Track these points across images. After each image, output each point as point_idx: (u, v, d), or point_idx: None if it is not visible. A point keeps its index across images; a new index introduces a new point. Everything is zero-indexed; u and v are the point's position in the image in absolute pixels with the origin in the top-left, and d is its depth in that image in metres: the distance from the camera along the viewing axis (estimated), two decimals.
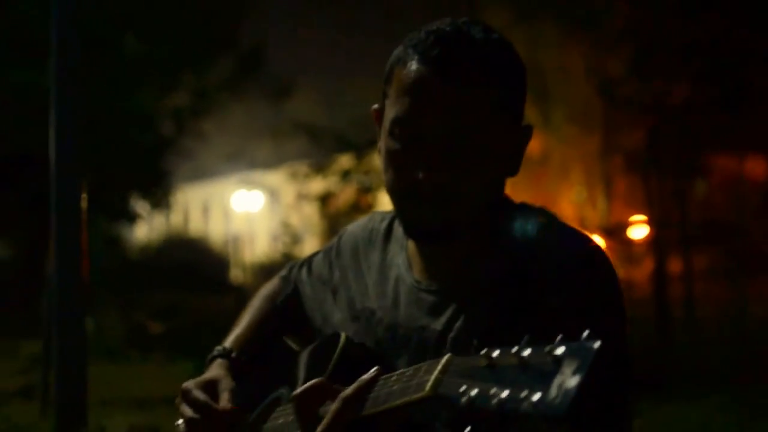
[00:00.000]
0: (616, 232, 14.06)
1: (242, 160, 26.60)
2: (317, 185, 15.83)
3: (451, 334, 1.50)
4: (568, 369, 1.05)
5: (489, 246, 1.53)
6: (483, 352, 1.15)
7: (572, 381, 1.04)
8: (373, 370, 1.37)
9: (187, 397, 1.62)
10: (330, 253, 1.79)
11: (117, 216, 18.76)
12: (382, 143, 1.55)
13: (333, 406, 1.36)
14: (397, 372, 1.34)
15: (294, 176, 16.36)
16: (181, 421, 1.63)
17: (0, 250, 20.07)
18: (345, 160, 15.35)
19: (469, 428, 1.12)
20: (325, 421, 1.36)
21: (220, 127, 21.11)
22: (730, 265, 13.82)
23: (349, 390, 1.36)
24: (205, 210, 35.65)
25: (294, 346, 1.78)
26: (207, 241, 28.31)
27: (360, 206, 14.77)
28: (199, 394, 1.61)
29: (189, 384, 1.64)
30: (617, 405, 1.42)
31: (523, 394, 1.06)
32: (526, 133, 1.56)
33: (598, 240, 1.51)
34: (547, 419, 1.03)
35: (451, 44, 1.48)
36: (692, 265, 12.68)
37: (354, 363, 1.48)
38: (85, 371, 5.78)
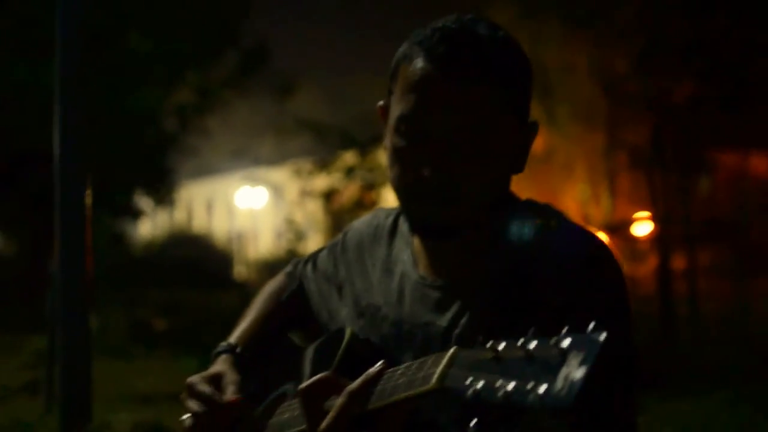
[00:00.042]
0: (620, 229, 14.04)
1: (246, 157, 26.59)
2: (321, 182, 15.83)
3: (457, 331, 1.50)
4: (574, 361, 1.05)
5: (494, 242, 1.53)
6: (489, 344, 1.16)
7: (578, 373, 1.04)
8: (379, 363, 1.37)
9: (192, 390, 1.62)
10: (335, 250, 1.79)
11: (121, 213, 18.78)
12: (388, 140, 1.55)
13: (339, 400, 1.36)
14: (403, 365, 1.34)
15: (298, 173, 16.36)
16: (186, 415, 1.63)
17: (4, 247, 20.11)
18: (349, 157, 15.35)
19: (475, 421, 1.12)
20: (330, 415, 1.36)
21: (224, 124, 21.12)
22: (734, 262, 13.81)
23: (354, 384, 1.36)
24: (209, 207, 35.65)
25: (299, 342, 1.79)
26: (211, 237, 28.31)
27: (364, 203, 14.76)
28: (205, 388, 1.62)
29: (194, 378, 1.64)
30: (624, 399, 1.42)
31: (529, 386, 1.07)
32: (532, 130, 1.57)
33: (602, 237, 1.50)
34: (553, 411, 1.04)
35: (456, 42, 1.49)
36: (696, 262, 12.66)
37: (359, 358, 1.48)
38: (89, 367, 5.80)
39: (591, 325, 1.09)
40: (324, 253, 1.82)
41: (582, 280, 1.44)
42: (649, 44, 11.88)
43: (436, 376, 1.23)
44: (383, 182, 14.34)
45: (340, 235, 1.82)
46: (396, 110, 1.53)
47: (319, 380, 1.41)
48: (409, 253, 1.64)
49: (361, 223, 1.79)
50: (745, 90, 11.78)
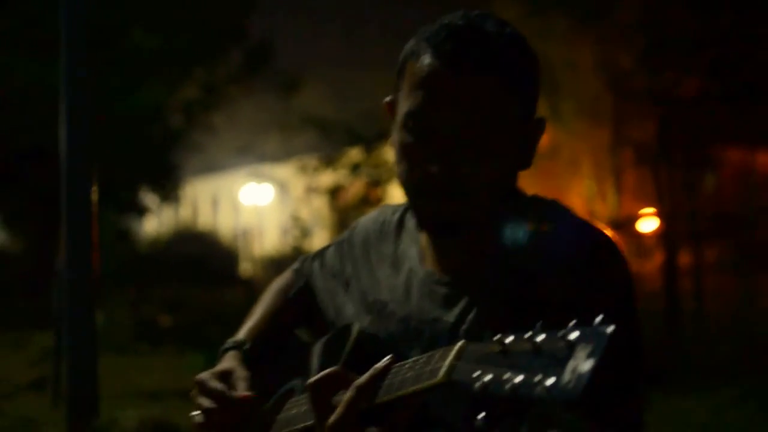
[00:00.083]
0: (625, 225, 14.02)
1: (251, 153, 26.56)
2: (327, 178, 15.83)
3: (464, 327, 1.50)
4: (581, 353, 1.06)
5: (502, 238, 1.53)
6: (496, 338, 1.16)
7: (586, 365, 1.04)
8: (386, 358, 1.38)
9: (203, 387, 1.63)
10: (342, 246, 1.80)
11: (126, 209, 18.80)
12: (395, 136, 1.56)
13: (347, 395, 1.36)
14: (411, 360, 1.35)
15: (303, 170, 16.36)
16: (197, 411, 1.64)
17: (11, 244, 20.13)
18: (354, 154, 15.34)
19: (483, 414, 1.13)
20: (338, 410, 1.36)
21: (229, 121, 21.11)
22: (740, 258, 13.78)
23: (362, 378, 1.37)
24: (215, 203, 35.64)
25: (307, 338, 1.79)
26: (216, 234, 28.30)
27: (369, 200, 14.76)
28: (216, 384, 1.62)
29: (204, 375, 1.65)
30: (631, 393, 1.43)
31: (537, 378, 1.07)
32: (539, 126, 1.57)
33: (609, 232, 1.50)
34: (560, 404, 1.04)
35: (464, 38, 1.49)
36: (702, 259, 12.64)
37: (367, 354, 1.49)
38: (95, 364, 5.82)
39: (598, 318, 1.09)
40: (331, 249, 1.83)
41: (589, 274, 1.44)
42: (654, 40, 11.86)
43: (443, 369, 1.24)
44: (389, 179, 14.35)
45: (346, 232, 1.82)
46: (403, 106, 1.53)
47: (327, 375, 1.41)
48: (416, 249, 1.64)
49: (367, 219, 1.80)
50: (751, 86, 11.76)
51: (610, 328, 1.07)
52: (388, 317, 1.61)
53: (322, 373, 1.41)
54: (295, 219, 16.46)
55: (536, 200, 1.58)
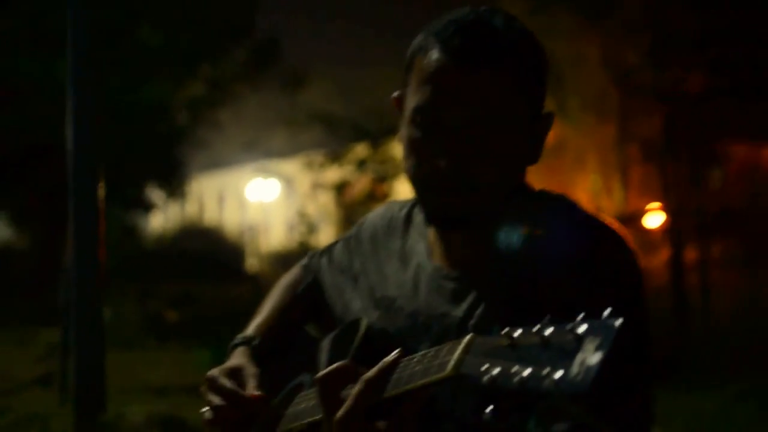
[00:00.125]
0: (632, 220, 14.01)
1: (257, 149, 26.58)
2: (333, 174, 15.85)
3: (472, 321, 1.50)
4: (590, 346, 1.06)
5: (509, 232, 1.53)
6: (505, 331, 1.16)
7: (594, 358, 1.04)
8: (395, 352, 1.38)
9: (213, 384, 1.63)
10: (350, 242, 1.80)
11: (133, 205, 18.83)
12: (403, 131, 1.56)
13: (355, 388, 1.36)
14: (419, 353, 1.35)
15: (309, 165, 16.38)
16: (206, 408, 1.65)
17: (18, 240, 20.17)
18: (360, 149, 15.35)
19: (491, 408, 1.13)
20: (347, 403, 1.36)
21: (235, 117, 21.12)
22: (746, 253, 13.76)
23: (371, 372, 1.36)
24: (221, 199, 35.65)
25: (315, 334, 1.80)
26: (222, 230, 28.34)
27: (376, 195, 14.78)
28: (226, 382, 1.63)
29: (214, 372, 1.65)
30: (640, 387, 1.43)
31: (545, 371, 1.07)
32: (547, 121, 1.57)
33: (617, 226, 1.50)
34: (569, 396, 1.04)
35: (472, 34, 1.49)
36: (708, 254, 12.63)
37: (375, 348, 1.49)
38: (102, 359, 5.83)
39: (606, 312, 1.10)
40: (339, 245, 1.83)
41: (595, 268, 1.45)
42: (660, 36, 11.85)
43: (452, 363, 1.24)
44: (395, 174, 14.36)
45: (354, 228, 1.83)
46: (411, 101, 1.53)
47: (336, 369, 1.41)
48: (424, 245, 1.64)
49: (374, 215, 1.80)
50: (757, 81, 11.74)
51: (619, 321, 1.07)
52: (396, 312, 1.62)
53: (330, 368, 1.41)
54: (302, 215, 16.48)
55: (544, 195, 1.58)
